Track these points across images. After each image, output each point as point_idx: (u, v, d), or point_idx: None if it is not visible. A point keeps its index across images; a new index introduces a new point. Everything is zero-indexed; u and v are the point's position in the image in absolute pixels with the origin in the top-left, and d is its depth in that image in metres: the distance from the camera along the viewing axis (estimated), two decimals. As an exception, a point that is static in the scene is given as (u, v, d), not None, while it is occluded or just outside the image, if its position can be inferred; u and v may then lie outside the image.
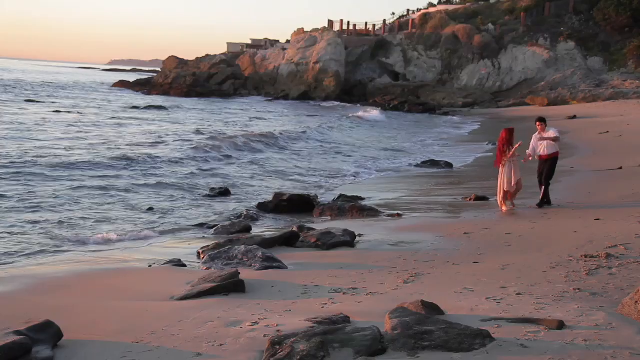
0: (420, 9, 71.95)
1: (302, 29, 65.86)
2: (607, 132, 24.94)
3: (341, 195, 13.94)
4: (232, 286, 6.52)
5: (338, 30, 66.35)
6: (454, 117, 45.51)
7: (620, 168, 15.73)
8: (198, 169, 17.91)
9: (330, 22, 68.56)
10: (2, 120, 27.58)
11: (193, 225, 11.31)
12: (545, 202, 11.62)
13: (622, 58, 53.92)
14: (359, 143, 27.91)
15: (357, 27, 69.93)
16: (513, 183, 11.50)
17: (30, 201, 12.33)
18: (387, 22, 71.30)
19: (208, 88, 59.69)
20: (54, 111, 35.02)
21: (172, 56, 70.35)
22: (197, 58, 69.34)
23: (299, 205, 12.68)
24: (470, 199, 13.05)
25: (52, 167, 16.07)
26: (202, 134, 27.62)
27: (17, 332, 4.72)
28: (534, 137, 11.93)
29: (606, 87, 47.64)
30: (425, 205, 12.79)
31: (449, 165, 20.05)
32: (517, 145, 11.58)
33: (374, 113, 43.90)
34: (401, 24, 68.41)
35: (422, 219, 11.16)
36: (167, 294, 6.55)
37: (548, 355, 4.08)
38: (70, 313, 5.73)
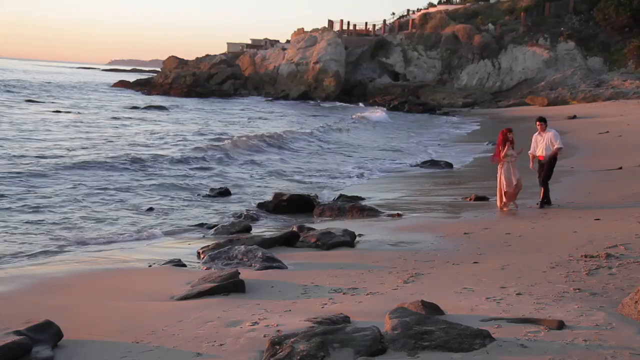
0: (420, 9, 71.97)
1: (302, 29, 65.89)
2: (607, 132, 24.94)
3: (341, 195, 13.95)
4: (232, 286, 6.52)
5: (338, 30, 66.36)
6: (454, 117, 45.51)
7: (620, 168, 15.73)
8: (198, 169, 17.92)
9: (330, 22, 68.58)
10: (2, 121, 27.59)
11: (193, 225, 11.30)
12: (545, 202, 11.62)
13: (622, 58, 53.93)
14: (364, 144, 27.91)
15: (357, 27, 69.94)
16: (514, 183, 11.49)
17: (30, 201, 12.33)
18: (387, 22, 71.33)
19: (208, 88, 59.69)
20: (53, 111, 35.03)
21: (172, 56, 70.35)
22: (197, 58, 69.34)
23: (299, 205, 12.68)
24: (470, 199, 13.05)
25: (51, 167, 16.06)
26: (203, 134, 27.65)
27: (17, 332, 4.72)
28: (534, 137, 11.92)
29: (606, 87, 47.64)
30: (425, 205, 12.79)
31: (449, 165, 20.04)
32: (508, 150, 11.54)
33: (377, 114, 43.46)
34: (401, 24, 68.42)
35: (422, 219, 11.16)
36: (167, 294, 6.55)
37: (548, 355, 4.08)
38: (70, 313, 5.73)
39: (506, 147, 11.58)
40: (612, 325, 4.68)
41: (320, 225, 10.69)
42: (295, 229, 9.90)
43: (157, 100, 50.13)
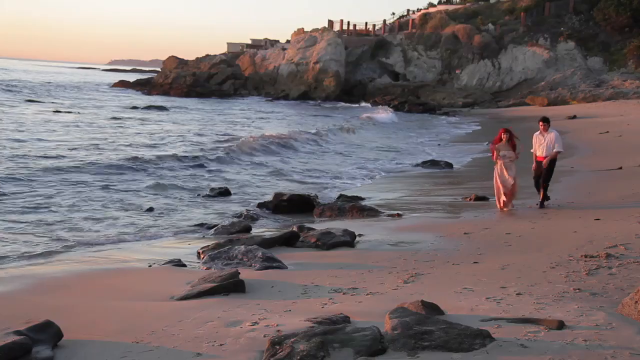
0: (420, 9, 72.01)
1: (302, 29, 65.92)
2: (607, 132, 24.94)
3: (341, 195, 13.95)
4: (232, 286, 6.52)
5: (338, 30, 66.38)
6: (454, 117, 45.51)
7: (620, 168, 15.72)
8: (198, 170, 17.91)
9: (330, 22, 68.60)
10: (2, 121, 27.59)
11: (193, 225, 11.30)
12: (544, 200, 11.61)
13: (622, 58, 53.94)
14: (366, 144, 27.89)
15: (357, 27, 69.97)
16: (510, 183, 11.47)
17: (30, 201, 12.33)
18: (387, 22, 71.37)
19: (208, 88, 59.71)
20: (53, 111, 35.04)
21: (172, 56, 70.37)
22: (197, 58, 69.35)
23: (299, 205, 12.68)
24: (470, 199, 13.05)
25: (51, 167, 16.06)
26: (203, 134, 27.64)
27: (17, 332, 4.72)
28: (535, 136, 11.87)
29: (606, 87, 47.65)
30: (425, 205, 12.79)
31: (449, 165, 20.04)
32: (502, 150, 11.54)
33: (384, 114, 42.79)
34: (401, 24, 68.45)
35: (422, 219, 11.16)
36: (167, 294, 6.54)
37: (548, 355, 4.08)
38: (70, 313, 5.73)
39: (494, 149, 11.64)
40: (612, 325, 4.68)
41: (320, 225, 10.69)
42: (295, 229, 9.89)
43: (157, 100, 50.13)
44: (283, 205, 12.61)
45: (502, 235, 9.25)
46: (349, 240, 9.11)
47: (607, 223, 9.47)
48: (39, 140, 21.88)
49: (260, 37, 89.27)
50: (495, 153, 11.69)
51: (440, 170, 19.36)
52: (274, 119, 38.94)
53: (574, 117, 33.95)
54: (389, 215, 11.59)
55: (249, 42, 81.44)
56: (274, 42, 75.64)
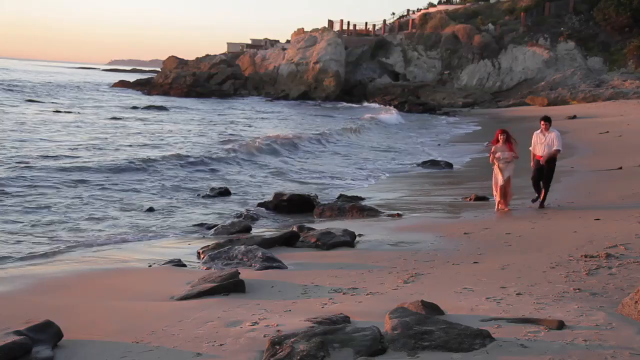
0: (420, 9, 72.00)
1: (302, 29, 65.91)
2: (607, 132, 24.94)
3: (341, 195, 13.95)
4: (232, 286, 6.51)
5: (338, 30, 66.37)
6: (454, 117, 45.50)
7: (620, 168, 15.72)
8: (198, 170, 17.91)
9: (330, 22, 68.59)
10: (2, 120, 27.59)
11: (193, 225, 11.31)
12: (537, 199, 11.60)
13: (622, 58, 53.94)
14: (367, 144, 27.87)
15: (357, 27, 69.96)
16: (499, 184, 11.46)
17: (30, 201, 12.33)
18: (387, 22, 71.35)
19: (208, 88, 59.69)
20: (54, 111, 35.04)
21: (172, 56, 70.33)
22: (197, 58, 69.32)
23: (299, 205, 12.69)
24: (470, 199, 13.05)
25: (51, 167, 16.06)
26: (203, 134, 27.64)
27: (17, 332, 4.72)
28: (535, 134, 11.84)
29: (606, 87, 47.65)
30: (425, 205, 12.79)
31: (449, 165, 20.05)
32: (497, 151, 11.55)
33: (388, 115, 42.33)
34: (401, 24, 68.44)
35: (422, 219, 11.16)
36: (167, 294, 6.55)
37: (548, 355, 4.08)
38: (70, 313, 5.73)
39: (492, 149, 11.65)
40: (612, 325, 4.68)
41: (320, 225, 10.69)
42: (295, 229, 9.89)
43: (157, 100, 50.12)
44: (283, 205, 12.62)
45: (502, 235, 9.25)
46: (349, 240, 9.11)
47: (607, 223, 9.47)
48: (39, 140, 21.87)
49: (260, 37, 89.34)
50: (492, 154, 11.71)
51: (440, 170, 19.36)
52: (275, 119, 38.94)
53: (574, 117, 33.95)
54: (389, 215, 11.59)
55: (249, 42, 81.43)
56: (274, 42, 75.64)
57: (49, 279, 7.39)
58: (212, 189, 14.69)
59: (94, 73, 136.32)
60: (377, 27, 69.27)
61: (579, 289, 6.04)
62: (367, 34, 68.11)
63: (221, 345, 4.68)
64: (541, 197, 11.62)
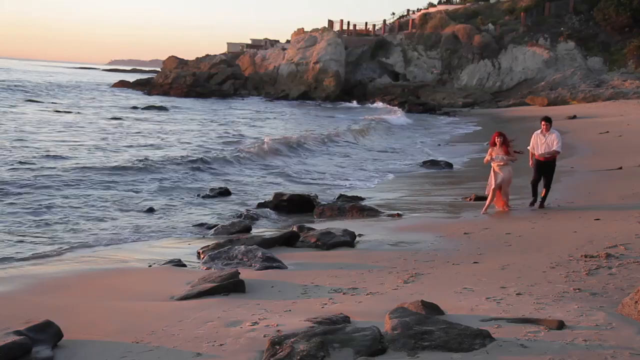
0: (420, 9, 71.98)
1: (302, 29, 65.89)
2: (607, 132, 24.94)
3: (341, 195, 13.95)
4: (232, 286, 6.52)
5: (338, 30, 66.37)
6: (454, 117, 45.49)
7: (620, 168, 15.72)
8: (198, 170, 17.89)
9: (330, 22, 68.58)
10: (2, 120, 27.58)
11: (193, 225, 11.31)
12: (534, 200, 11.60)
13: (622, 58, 53.93)
14: (368, 145, 27.86)
15: (357, 27, 69.95)
16: (491, 187, 11.47)
17: (30, 201, 12.33)
18: (387, 22, 71.33)
19: (208, 88, 59.67)
20: (54, 111, 35.03)
21: (172, 56, 70.32)
22: (197, 58, 69.31)
23: (299, 205, 12.69)
24: (470, 199, 13.04)
25: (51, 168, 16.06)
26: (203, 134, 27.64)
27: (17, 332, 4.72)
28: (535, 135, 11.83)
29: (606, 87, 47.64)
30: (425, 205, 12.79)
31: (449, 165, 20.05)
32: (492, 154, 11.55)
33: (393, 116, 41.81)
34: (401, 24, 68.43)
35: (422, 219, 11.16)
36: (167, 294, 6.55)
37: (548, 355, 4.08)
38: (70, 313, 5.73)
39: (489, 150, 11.65)
40: (612, 325, 4.68)
41: (320, 225, 10.69)
42: (295, 229, 9.90)
43: (157, 100, 50.10)
44: (283, 205, 12.62)
45: (502, 235, 9.25)
46: (349, 240, 9.12)
47: (607, 223, 9.47)
48: (39, 140, 21.86)
49: (260, 37, 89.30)
50: (487, 156, 11.71)
51: (440, 170, 19.36)
52: (275, 120, 38.92)
53: (574, 117, 33.94)
54: (389, 215, 11.59)
55: (249, 42, 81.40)
56: (274, 42, 75.61)
57: (49, 279, 7.39)
58: (212, 189, 14.69)
59: (94, 73, 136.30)
60: (377, 27, 69.26)
61: (579, 289, 6.04)
62: (367, 34, 68.10)
63: (221, 345, 4.69)
64: (542, 195, 11.61)
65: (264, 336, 4.68)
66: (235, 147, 22.39)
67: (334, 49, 59.82)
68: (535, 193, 11.64)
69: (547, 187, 11.61)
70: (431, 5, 74.14)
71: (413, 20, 66.41)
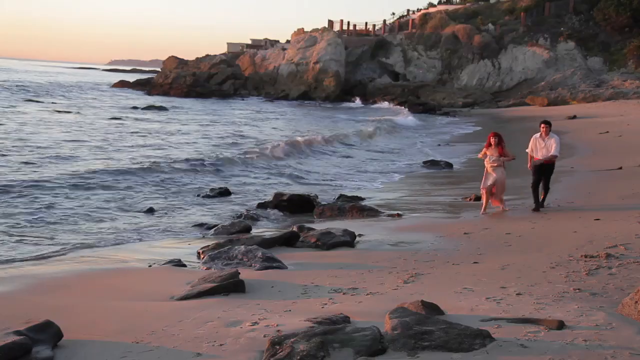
0: (420, 9, 72.00)
1: (302, 29, 65.91)
2: (607, 132, 24.94)
3: (341, 195, 13.95)
4: (232, 286, 6.52)
5: (338, 30, 66.38)
6: (454, 117, 45.48)
7: (620, 168, 15.72)
8: (198, 170, 17.88)
9: (330, 22, 68.59)
10: (2, 120, 27.58)
11: (193, 226, 11.31)
12: (538, 202, 11.58)
13: (622, 58, 53.94)
14: (368, 145, 27.85)
15: (357, 27, 69.97)
16: (484, 187, 11.47)
17: (30, 201, 12.33)
18: (387, 22, 71.37)
19: (208, 88, 59.68)
20: (54, 111, 35.02)
21: (172, 56, 70.33)
22: (197, 58, 69.32)
23: (299, 205, 12.68)
24: (470, 199, 13.04)
25: (51, 168, 16.06)
26: (203, 134, 27.63)
27: (17, 332, 4.72)
28: (534, 138, 11.80)
29: (606, 87, 47.64)
30: (425, 205, 12.79)
31: (449, 165, 20.05)
32: (487, 154, 11.55)
33: (401, 118, 41.40)
34: (401, 24, 68.45)
35: (422, 219, 11.16)
36: (167, 294, 6.55)
37: (548, 355, 4.08)
38: (70, 313, 5.73)
39: (483, 151, 11.66)
40: (612, 325, 4.68)
41: (320, 225, 10.69)
42: (295, 229, 9.90)
43: (157, 100, 50.08)
44: (283, 205, 12.62)
45: (502, 235, 9.25)
46: (349, 240, 9.12)
47: (607, 223, 9.47)
48: (39, 140, 21.86)
49: (260, 37, 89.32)
50: (482, 152, 11.73)
51: (440, 170, 19.36)
52: (275, 120, 38.90)
53: (574, 117, 33.94)
54: (389, 215, 11.59)
55: (249, 42, 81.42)
56: (274, 42, 75.62)
57: (49, 279, 7.39)
58: (212, 189, 14.69)
59: (94, 73, 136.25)
60: (377, 27, 69.28)
61: (579, 289, 6.04)
62: (367, 34, 68.11)
63: (221, 345, 4.69)
64: (542, 197, 11.59)
65: (264, 336, 4.68)
66: (238, 148, 22.35)
67: (334, 49, 59.83)
68: (537, 198, 11.54)
69: (546, 189, 11.58)
70: (431, 5, 74.16)
71: (413, 20, 66.43)
